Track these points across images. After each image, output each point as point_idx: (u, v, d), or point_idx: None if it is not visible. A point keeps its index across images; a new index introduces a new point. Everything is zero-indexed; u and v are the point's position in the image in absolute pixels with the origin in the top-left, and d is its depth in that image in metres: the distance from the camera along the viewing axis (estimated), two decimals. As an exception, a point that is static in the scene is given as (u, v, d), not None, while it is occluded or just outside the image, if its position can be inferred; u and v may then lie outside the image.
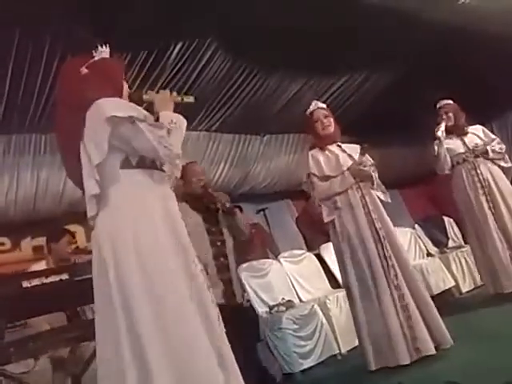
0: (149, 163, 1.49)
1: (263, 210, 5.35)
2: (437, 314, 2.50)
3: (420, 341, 2.37)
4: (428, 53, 4.31)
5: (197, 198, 2.56)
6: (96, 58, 1.56)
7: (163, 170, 1.55)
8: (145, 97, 1.61)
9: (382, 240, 2.52)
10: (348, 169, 2.63)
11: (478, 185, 3.53)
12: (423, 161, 6.51)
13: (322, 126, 2.74)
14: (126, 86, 1.61)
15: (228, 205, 2.52)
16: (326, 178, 2.65)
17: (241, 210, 4.84)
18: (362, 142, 2.78)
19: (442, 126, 3.59)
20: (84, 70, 1.51)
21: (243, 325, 2.38)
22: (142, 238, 1.37)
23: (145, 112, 1.49)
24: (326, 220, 2.64)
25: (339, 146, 2.78)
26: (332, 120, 2.78)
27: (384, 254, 2.50)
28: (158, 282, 1.34)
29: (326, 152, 2.73)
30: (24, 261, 4.44)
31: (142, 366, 1.25)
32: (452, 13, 3.70)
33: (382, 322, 2.42)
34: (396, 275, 2.47)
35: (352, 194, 2.62)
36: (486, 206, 3.49)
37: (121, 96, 1.55)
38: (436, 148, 3.59)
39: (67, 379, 2.26)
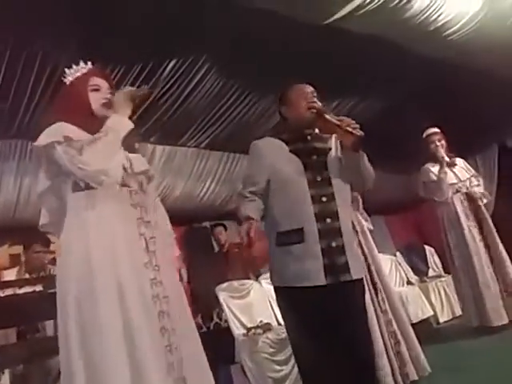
0: None
1: (248, 229, 5.33)
2: (417, 342, 2.52)
3: (408, 366, 2.38)
4: (415, 84, 4.41)
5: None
6: (64, 83, 1.61)
7: (126, 185, 1.45)
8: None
9: (370, 265, 2.53)
10: None
11: (471, 217, 3.54)
12: (408, 189, 6.63)
13: None
14: (97, 95, 1.57)
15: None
16: None
17: (225, 228, 4.87)
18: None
19: (442, 152, 3.61)
20: (57, 98, 1.64)
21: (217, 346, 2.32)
22: (79, 280, 1.33)
23: (67, 133, 1.42)
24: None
25: None
26: None
27: (372, 279, 2.51)
28: (90, 333, 1.29)
29: None
30: (0, 268, 4.36)
31: None
32: (440, 46, 3.80)
33: None
34: (383, 300, 2.48)
35: None
36: (478, 238, 3.50)
37: (88, 111, 1.54)
38: (437, 173, 3.58)
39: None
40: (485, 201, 3.65)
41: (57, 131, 1.42)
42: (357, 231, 2.60)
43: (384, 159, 5.82)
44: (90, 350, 1.26)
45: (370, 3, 2.93)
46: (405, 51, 3.79)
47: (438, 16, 3.21)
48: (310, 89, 1.93)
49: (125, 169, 1.47)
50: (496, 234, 3.55)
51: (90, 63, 1.66)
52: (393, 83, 4.50)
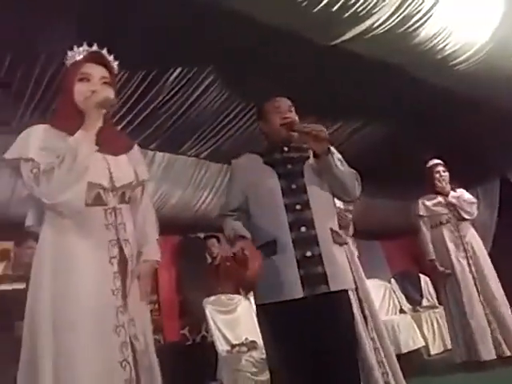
0: None
1: (241, 242, 5.28)
2: (401, 374, 2.45)
3: None
4: (420, 111, 4.41)
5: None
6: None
7: (102, 203, 1.37)
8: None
9: (358, 291, 2.48)
10: None
11: (461, 247, 3.53)
12: (406, 215, 6.59)
13: None
14: (83, 86, 1.45)
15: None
16: None
17: (218, 240, 4.81)
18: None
19: (443, 183, 3.63)
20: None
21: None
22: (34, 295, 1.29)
23: (31, 156, 1.31)
24: None
25: None
26: None
27: (361, 306, 2.45)
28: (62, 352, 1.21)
29: None
30: (-12, 263, 4.31)
31: None
32: (447, 75, 3.80)
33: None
34: (372, 329, 2.43)
35: None
36: (467, 269, 3.47)
37: (71, 101, 1.43)
38: (422, 227, 3.64)
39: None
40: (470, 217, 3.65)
41: (24, 143, 1.33)
42: (347, 257, 2.55)
43: (383, 184, 5.82)
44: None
45: (378, 27, 2.93)
46: (411, 78, 3.78)
47: (446, 45, 3.21)
48: (285, 102, 1.91)
49: (102, 186, 1.38)
50: (485, 265, 3.51)
51: (95, 46, 1.55)
52: (397, 109, 4.49)
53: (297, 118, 1.86)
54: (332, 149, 1.76)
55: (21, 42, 2.77)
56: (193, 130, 4.33)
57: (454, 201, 3.62)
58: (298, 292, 1.60)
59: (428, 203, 3.69)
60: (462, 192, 3.73)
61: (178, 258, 5.65)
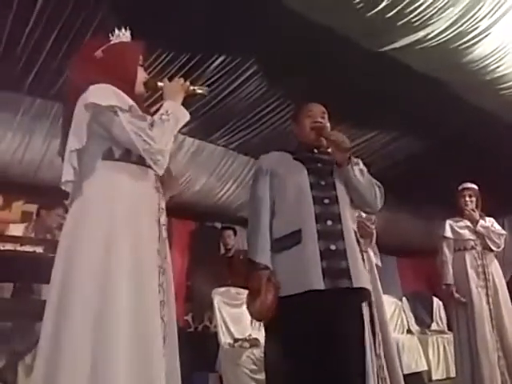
0: (135, 158, 1.38)
1: (257, 239, 5.27)
2: None
3: None
4: (458, 131, 4.30)
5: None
6: (112, 42, 1.51)
7: (153, 169, 1.40)
8: (159, 84, 1.54)
9: (371, 306, 2.43)
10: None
11: (482, 276, 3.42)
12: (427, 234, 6.46)
13: None
14: (141, 72, 1.53)
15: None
16: None
17: (235, 232, 4.81)
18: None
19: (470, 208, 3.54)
20: (99, 54, 1.47)
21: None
22: (96, 247, 1.27)
23: (131, 103, 1.39)
24: None
25: None
26: None
27: (372, 321, 2.40)
28: (99, 304, 1.21)
29: None
30: (10, 222, 4.40)
31: None
32: (492, 98, 3.69)
33: None
34: (380, 344, 2.37)
35: None
36: (485, 300, 3.37)
37: (133, 82, 1.49)
38: (444, 248, 3.55)
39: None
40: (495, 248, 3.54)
41: (118, 96, 1.38)
42: (365, 268, 2.50)
43: (408, 200, 5.71)
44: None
45: (430, 39, 2.85)
46: (454, 96, 3.69)
47: (498, 67, 3.11)
48: (318, 108, 1.92)
49: None
50: (503, 300, 3.40)
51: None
52: (434, 126, 4.40)
53: (328, 124, 1.87)
54: (354, 159, 1.78)
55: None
56: (226, 120, 4.32)
57: (482, 230, 3.50)
58: (319, 284, 1.57)
59: (455, 226, 3.58)
60: (491, 222, 3.60)
61: (192, 243, 5.67)
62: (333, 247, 1.63)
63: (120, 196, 1.34)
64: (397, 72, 3.39)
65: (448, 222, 3.60)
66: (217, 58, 3.49)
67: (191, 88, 1.53)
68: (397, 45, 2.89)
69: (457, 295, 3.38)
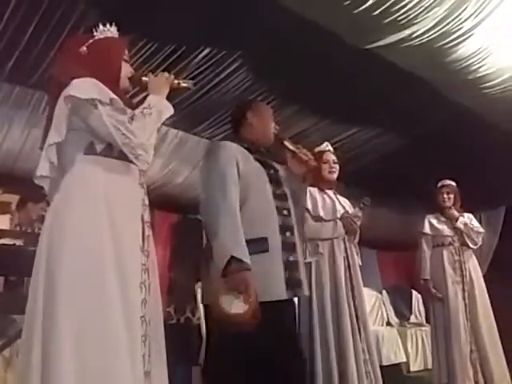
0: (116, 153, 1.37)
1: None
2: None
3: None
4: (438, 128, 4.36)
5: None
6: (96, 38, 1.50)
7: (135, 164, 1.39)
8: (143, 78, 1.54)
9: (355, 299, 2.46)
10: (340, 218, 2.58)
11: (458, 272, 3.50)
12: (407, 229, 6.56)
13: (330, 169, 2.70)
14: (126, 66, 1.53)
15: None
16: (319, 219, 2.58)
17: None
18: (359, 194, 2.76)
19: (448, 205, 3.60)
20: (84, 50, 1.46)
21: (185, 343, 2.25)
22: (79, 242, 1.26)
23: (113, 96, 1.38)
24: (305, 260, 2.54)
25: (334, 194, 2.75)
26: (338, 168, 2.74)
27: (356, 314, 2.43)
28: (81, 296, 1.21)
29: (324, 195, 2.69)
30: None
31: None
32: (474, 97, 3.75)
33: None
34: (365, 339, 2.41)
35: (336, 244, 2.55)
36: (460, 295, 3.45)
37: (118, 78, 1.48)
38: (423, 244, 3.61)
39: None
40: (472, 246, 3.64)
41: (99, 89, 1.36)
42: (349, 264, 2.53)
43: (389, 196, 5.79)
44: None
45: (415, 38, 2.88)
46: (436, 94, 3.74)
47: (480, 66, 3.16)
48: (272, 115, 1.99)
49: None
50: (480, 296, 3.51)
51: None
52: (416, 123, 4.45)
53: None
54: None
55: None
56: (210, 113, 4.29)
57: (461, 227, 3.59)
58: (283, 294, 1.66)
59: (434, 222, 3.66)
60: (470, 218, 3.69)
61: (174, 235, 5.64)
62: (291, 258, 1.72)
63: (101, 192, 1.32)
64: (382, 69, 3.42)
65: (427, 219, 3.68)
66: (202, 50, 3.45)
67: (176, 82, 1.54)
68: (382, 42, 2.91)
69: (433, 290, 3.47)
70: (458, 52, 3.00)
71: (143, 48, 3.27)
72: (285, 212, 1.75)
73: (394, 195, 5.78)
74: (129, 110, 1.37)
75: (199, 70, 3.62)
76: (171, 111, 1.46)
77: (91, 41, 1.48)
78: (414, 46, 2.95)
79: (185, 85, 1.57)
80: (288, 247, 1.71)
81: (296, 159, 1.80)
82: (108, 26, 1.53)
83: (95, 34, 1.50)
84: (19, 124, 3.85)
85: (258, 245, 1.65)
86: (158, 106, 1.42)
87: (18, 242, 2.56)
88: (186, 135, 4.63)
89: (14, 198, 4.54)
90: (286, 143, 1.84)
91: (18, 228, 3.20)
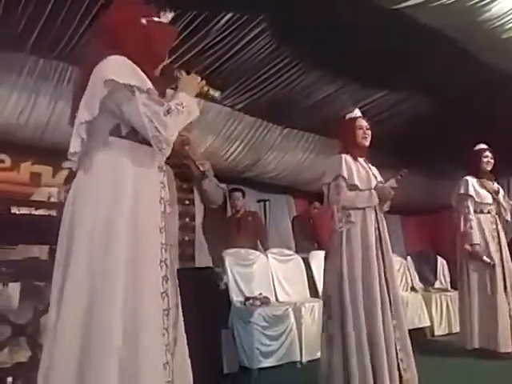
0: (141, 137, 1.38)
1: (264, 201, 5.31)
2: (411, 351, 2.46)
3: (410, 371, 2.35)
4: (469, 92, 4.21)
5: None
6: (155, 18, 1.49)
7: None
8: (175, 73, 1.54)
9: (385, 267, 2.46)
10: (375, 188, 2.55)
11: (496, 240, 3.48)
12: (433, 194, 6.48)
13: (364, 135, 2.61)
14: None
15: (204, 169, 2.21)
16: (354, 187, 2.52)
17: (243, 194, 4.83)
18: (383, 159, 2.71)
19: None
20: (144, 22, 1.45)
21: (213, 307, 2.34)
22: (99, 213, 1.31)
23: (150, 86, 1.38)
24: (337, 228, 2.49)
25: (366, 162, 2.70)
26: (370, 134, 2.65)
27: (386, 282, 2.44)
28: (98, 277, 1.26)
29: (357, 163, 2.62)
30: (18, 183, 4.44)
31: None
32: (507, 58, 3.59)
33: (369, 352, 2.31)
34: (394, 304, 2.42)
35: (368, 213, 2.50)
36: (498, 263, 3.44)
37: (158, 65, 1.49)
38: (470, 207, 3.51)
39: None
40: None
41: (138, 76, 1.37)
42: (380, 233, 2.52)
43: (414, 160, 5.68)
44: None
45: (447, -4, 2.75)
46: (468, 55, 3.59)
47: (515, 25, 3.01)
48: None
49: None
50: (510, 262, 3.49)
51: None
52: (445, 86, 4.30)
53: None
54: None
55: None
56: (233, 80, 4.24)
57: (501, 199, 3.56)
58: None
59: (477, 187, 3.58)
60: (502, 192, 3.66)
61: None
62: (186, 238, 2.11)
63: (124, 172, 1.36)
64: (408, 31, 3.29)
65: (470, 181, 3.56)
66: (224, 15, 3.38)
67: (206, 88, 1.55)
68: (411, 2, 2.79)
69: (484, 257, 3.40)
70: (492, 10, 2.86)
71: (165, 13, 3.23)
72: (186, 202, 2.16)
73: (420, 159, 5.67)
74: (165, 103, 1.37)
75: (222, 36, 3.57)
76: (198, 114, 1.48)
77: (151, 18, 1.48)
78: (444, 5, 2.82)
79: (212, 93, 1.58)
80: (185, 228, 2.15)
81: (193, 164, 2.17)
82: (168, 11, 1.53)
83: (159, 15, 1.50)
84: (45, 96, 3.89)
85: None
86: (190, 106, 1.43)
87: (52, 213, 2.63)
88: (208, 103, 4.59)
89: (44, 169, 4.67)
90: (186, 149, 2.17)
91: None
